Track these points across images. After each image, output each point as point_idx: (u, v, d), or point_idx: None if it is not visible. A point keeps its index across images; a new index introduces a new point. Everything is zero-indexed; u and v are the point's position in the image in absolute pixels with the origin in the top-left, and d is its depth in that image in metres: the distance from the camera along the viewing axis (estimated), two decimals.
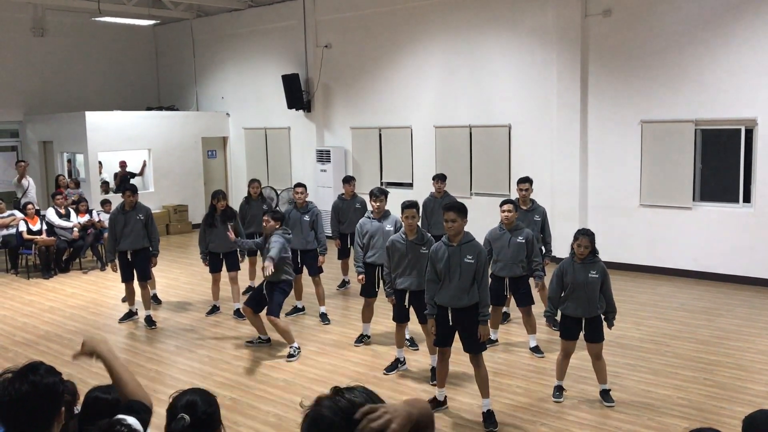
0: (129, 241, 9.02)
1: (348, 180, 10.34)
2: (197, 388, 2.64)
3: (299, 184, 9.46)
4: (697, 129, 10.63)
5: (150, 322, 9.03)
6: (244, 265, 9.98)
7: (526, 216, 8.20)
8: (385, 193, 8.02)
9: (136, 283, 9.17)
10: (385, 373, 7.07)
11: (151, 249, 9.20)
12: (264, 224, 7.91)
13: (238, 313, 9.26)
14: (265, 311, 7.69)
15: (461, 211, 5.79)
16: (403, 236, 6.79)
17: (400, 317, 7.05)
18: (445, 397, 6.23)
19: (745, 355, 7.41)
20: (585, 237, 6.12)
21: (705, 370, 6.98)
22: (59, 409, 2.46)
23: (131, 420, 3.56)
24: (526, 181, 8.54)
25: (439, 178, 10.04)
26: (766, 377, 6.80)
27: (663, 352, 7.54)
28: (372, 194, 7.92)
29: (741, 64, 10.09)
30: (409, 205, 6.73)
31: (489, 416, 5.83)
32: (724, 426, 5.00)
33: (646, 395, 6.38)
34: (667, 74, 10.76)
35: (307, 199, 9.34)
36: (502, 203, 7.59)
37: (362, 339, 8.11)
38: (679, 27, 10.59)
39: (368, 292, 7.90)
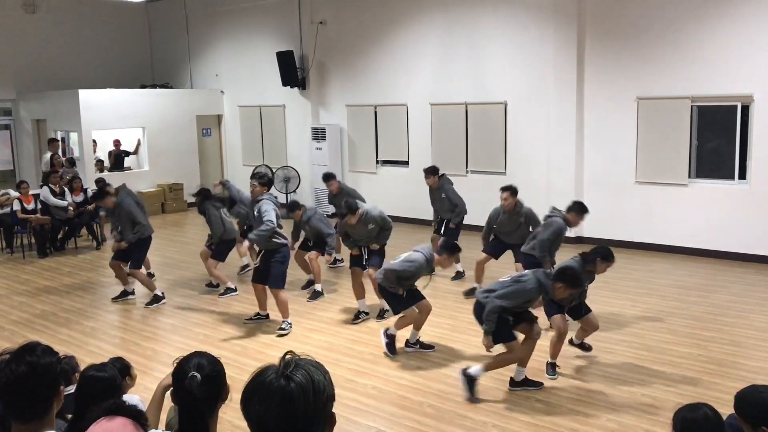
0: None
1: (327, 178, 10.45)
2: (201, 351, 2.68)
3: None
4: (693, 105, 10.59)
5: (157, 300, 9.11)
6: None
7: (511, 219, 8.51)
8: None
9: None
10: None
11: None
12: (251, 189, 8.06)
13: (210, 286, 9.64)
14: (269, 285, 7.80)
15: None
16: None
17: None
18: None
19: (740, 331, 7.45)
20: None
21: (699, 347, 7.02)
22: (57, 389, 2.46)
23: (136, 399, 3.59)
24: (506, 189, 8.49)
25: (430, 172, 9.98)
26: (760, 353, 6.84)
27: (658, 328, 7.58)
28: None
29: (737, 41, 10.03)
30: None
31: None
32: (718, 401, 5.01)
33: (640, 371, 6.42)
34: (664, 51, 10.70)
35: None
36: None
37: (360, 315, 8.16)
38: (676, 3, 10.50)
39: (356, 263, 8.21)
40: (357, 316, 8.16)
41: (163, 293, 9.17)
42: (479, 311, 6.01)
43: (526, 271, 6.13)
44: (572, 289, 5.84)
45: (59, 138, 16.40)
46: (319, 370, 1.70)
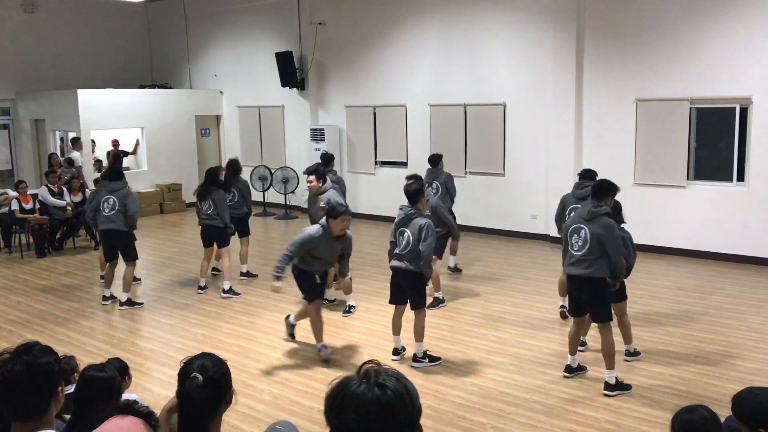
0: None
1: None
2: (207, 353, 2.67)
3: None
4: (692, 107, 10.60)
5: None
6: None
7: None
8: (313, 171, 8.40)
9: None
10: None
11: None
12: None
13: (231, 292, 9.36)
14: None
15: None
16: None
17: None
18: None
19: (737, 333, 7.46)
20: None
21: (697, 348, 7.03)
22: (55, 390, 2.44)
23: (134, 398, 3.59)
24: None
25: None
26: (758, 355, 6.85)
27: (655, 330, 7.59)
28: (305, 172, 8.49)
29: (736, 43, 10.04)
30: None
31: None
32: (715, 403, 5.03)
33: (638, 373, 6.43)
34: (663, 52, 10.71)
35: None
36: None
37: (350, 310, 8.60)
38: (675, 4, 10.52)
39: None
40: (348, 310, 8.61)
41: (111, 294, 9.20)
42: (589, 284, 5.97)
43: (585, 227, 5.95)
44: (616, 192, 6.18)
45: (59, 138, 16.42)
46: (403, 375, 1.64)
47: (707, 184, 10.70)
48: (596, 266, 5.87)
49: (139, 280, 10.11)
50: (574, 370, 6.30)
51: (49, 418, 2.43)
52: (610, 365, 6.00)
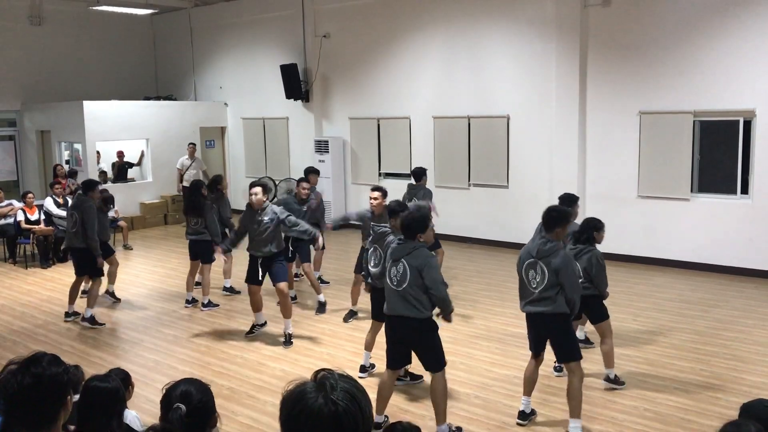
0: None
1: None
2: (190, 378, 2.64)
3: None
4: (695, 120, 10.61)
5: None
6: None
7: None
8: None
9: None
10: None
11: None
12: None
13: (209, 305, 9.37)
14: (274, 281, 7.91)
15: None
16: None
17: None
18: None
19: (742, 346, 7.43)
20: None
21: (701, 361, 7.01)
22: (64, 400, 2.45)
23: (131, 417, 3.59)
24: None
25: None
26: (762, 368, 6.83)
27: (660, 342, 7.57)
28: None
29: (740, 56, 10.07)
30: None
31: None
32: (720, 417, 5.00)
33: (642, 386, 6.41)
34: (666, 65, 10.74)
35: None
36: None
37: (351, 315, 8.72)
38: (679, 17, 10.56)
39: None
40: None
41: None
42: (553, 321, 5.42)
43: (540, 262, 5.38)
44: (568, 220, 5.59)
45: (64, 148, 16.47)
46: (358, 388, 1.70)
47: (711, 197, 10.69)
48: (558, 302, 5.35)
49: (119, 300, 9.86)
50: (527, 416, 5.72)
51: (57, 428, 2.44)
52: (575, 412, 5.40)
